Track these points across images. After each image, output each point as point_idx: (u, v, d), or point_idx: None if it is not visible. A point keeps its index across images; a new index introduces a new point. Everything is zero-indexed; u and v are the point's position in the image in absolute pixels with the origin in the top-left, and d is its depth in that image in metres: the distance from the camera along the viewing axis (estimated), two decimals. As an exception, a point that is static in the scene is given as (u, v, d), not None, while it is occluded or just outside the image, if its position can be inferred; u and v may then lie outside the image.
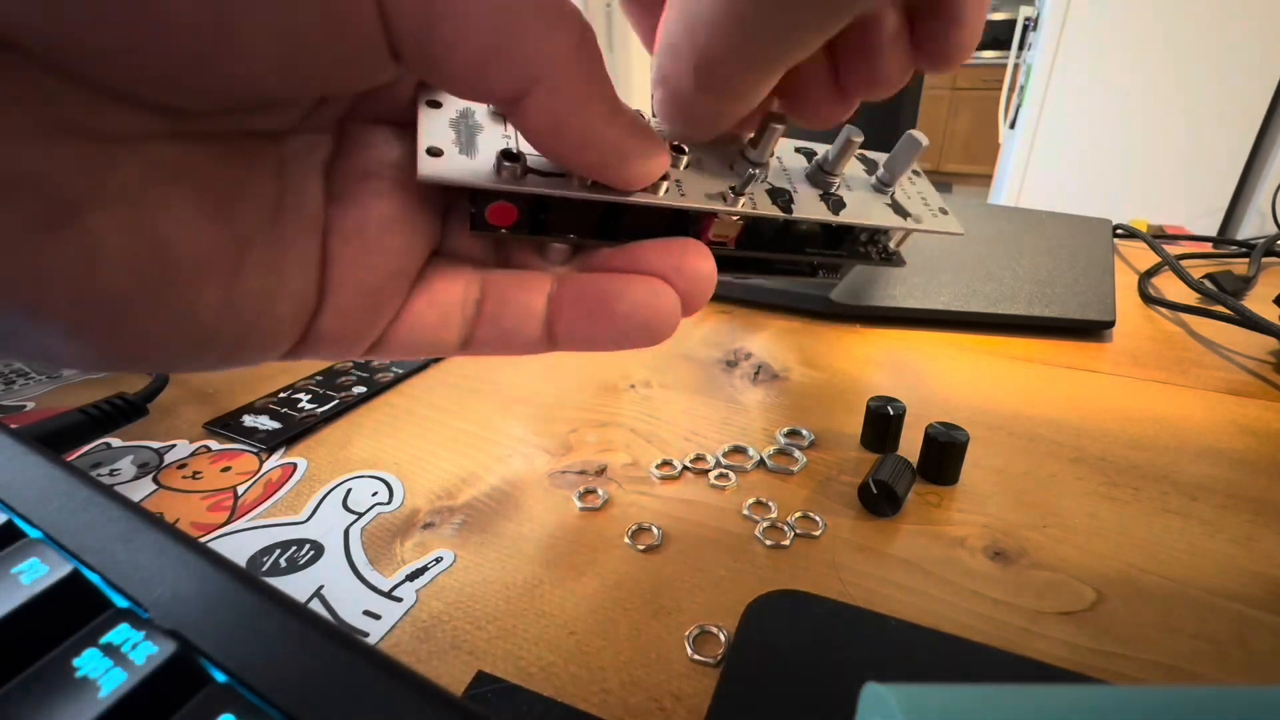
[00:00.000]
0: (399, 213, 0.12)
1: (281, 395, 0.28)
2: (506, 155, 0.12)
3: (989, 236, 0.47)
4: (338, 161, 0.12)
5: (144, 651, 0.10)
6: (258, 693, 0.10)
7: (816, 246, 0.16)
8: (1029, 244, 0.45)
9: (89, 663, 0.10)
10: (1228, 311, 0.33)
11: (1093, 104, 1.70)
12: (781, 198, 0.15)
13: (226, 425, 0.26)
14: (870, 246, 0.17)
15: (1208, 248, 0.52)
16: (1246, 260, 0.47)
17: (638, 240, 0.14)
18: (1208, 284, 0.38)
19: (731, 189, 0.14)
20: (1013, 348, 0.33)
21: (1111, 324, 0.34)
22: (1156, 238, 0.54)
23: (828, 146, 0.16)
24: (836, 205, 0.16)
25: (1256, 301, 0.38)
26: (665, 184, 0.13)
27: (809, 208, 0.15)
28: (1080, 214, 0.54)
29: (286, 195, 0.11)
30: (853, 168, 0.17)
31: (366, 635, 0.17)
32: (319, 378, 0.30)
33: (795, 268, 0.17)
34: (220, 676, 0.10)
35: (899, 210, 0.16)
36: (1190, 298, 0.38)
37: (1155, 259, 0.45)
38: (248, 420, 0.26)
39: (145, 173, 0.09)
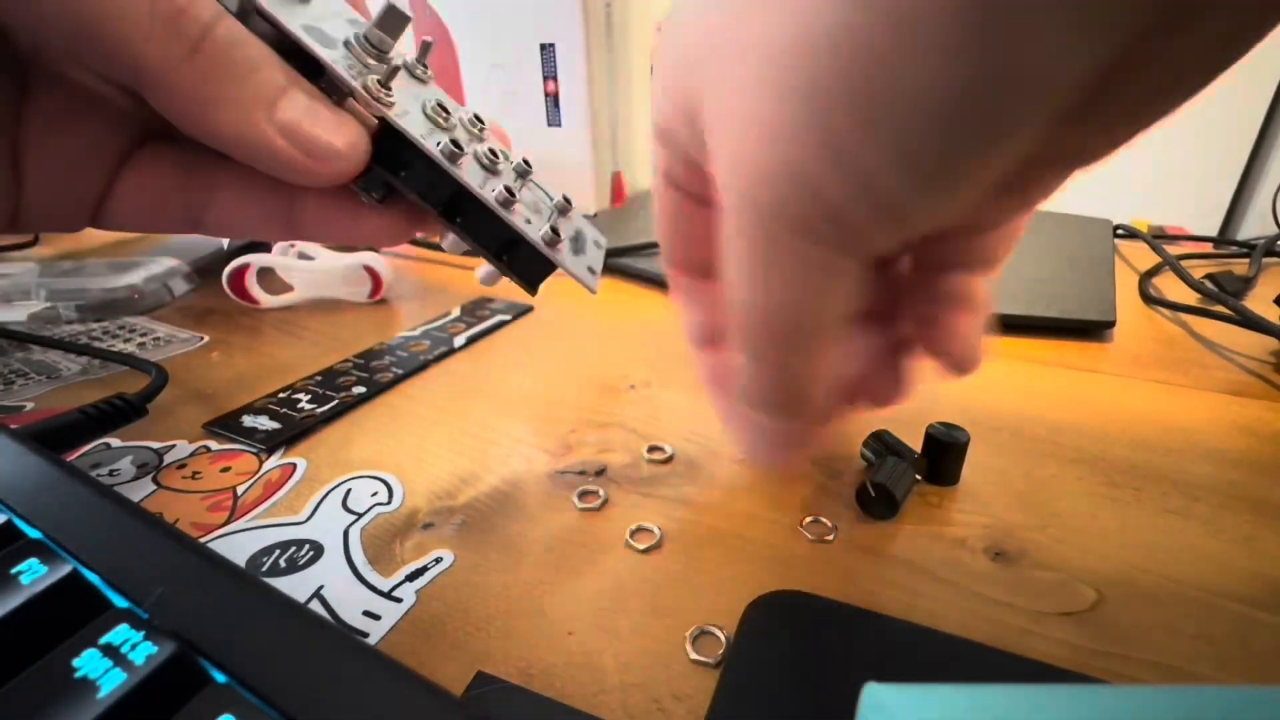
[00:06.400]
0: (91, 93, 0.14)
1: (281, 395, 0.28)
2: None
3: (989, 237, 0.47)
4: (45, 53, 0.14)
5: (143, 652, 0.10)
6: (257, 693, 0.10)
7: (470, 218, 0.17)
8: (1029, 244, 0.45)
9: (88, 663, 0.10)
10: (1228, 312, 0.33)
11: (1092, 104, 1.70)
12: (437, 134, 0.16)
13: (226, 425, 0.26)
14: (511, 253, 0.18)
15: (1208, 248, 0.52)
16: (1247, 260, 0.47)
17: None
18: (1208, 284, 0.38)
19: (378, 80, 0.15)
20: (1013, 348, 0.33)
21: (1112, 324, 0.34)
22: (1157, 238, 0.54)
23: None
24: (501, 198, 0.16)
25: (1257, 302, 0.38)
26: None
27: (465, 169, 0.16)
28: (1080, 214, 0.54)
29: None
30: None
31: (366, 635, 0.17)
32: (319, 378, 0.30)
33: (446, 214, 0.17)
34: (220, 677, 0.10)
35: (552, 239, 0.17)
36: (1191, 298, 0.38)
37: (1156, 259, 0.45)
38: (247, 420, 0.26)
39: None
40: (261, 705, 0.10)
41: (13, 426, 0.17)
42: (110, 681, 0.09)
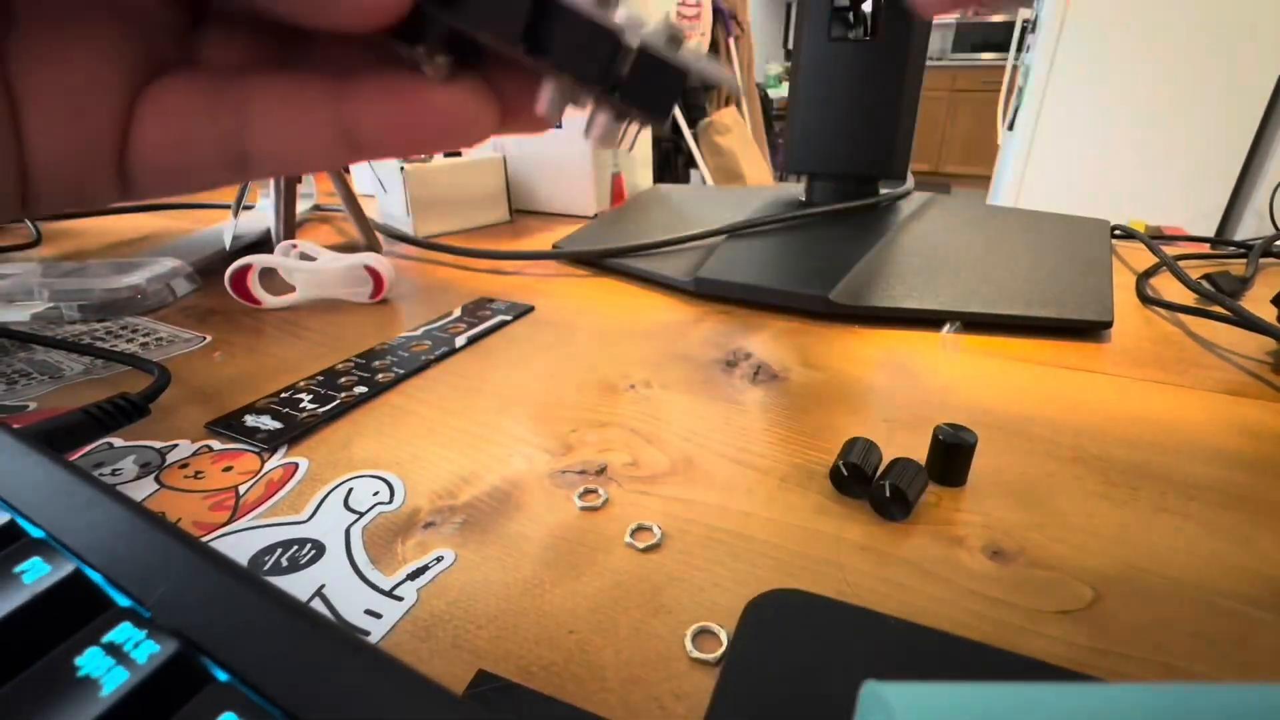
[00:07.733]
0: (82, 16, 0.12)
1: (283, 395, 0.28)
2: None
3: (988, 237, 0.47)
4: None
5: (146, 650, 0.10)
6: (259, 691, 0.10)
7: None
8: (1027, 245, 0.46)
9: (90, 662, 0.10)
10: (1225, 312, 0.33)
11: (1090, 105, 1.70)
12: None
13: (228, 425, 0.26)
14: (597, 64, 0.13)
15: (1205, 248, 0.52)
16: (1244, 261, 0.48)
17: None
18: (1205, 284, 0.38)
19: None
20: (1010, 348, 0.33)
21: (1109, 324, 0.34)
22: (1154, 238, 0.54)
23: None
24: None
25: (1254, 302, 0.38)
26: None
27: None
28: (1078, 215, 0.54)
29: None
30: None
31: (368, 634, 0.17)
32: (320, 378, 0.30)
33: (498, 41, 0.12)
34: (222, 675, 0.10)
35: (674, 34, 0.12)
36: (1188, 298, 0.38)
37: (1153, 259, 0.45)
38: (249, 420, 0.26)
39: None
40: (263, 704, 0.10)
41: (16, 426, 0.17)
42: (112, 680, 0.10)
